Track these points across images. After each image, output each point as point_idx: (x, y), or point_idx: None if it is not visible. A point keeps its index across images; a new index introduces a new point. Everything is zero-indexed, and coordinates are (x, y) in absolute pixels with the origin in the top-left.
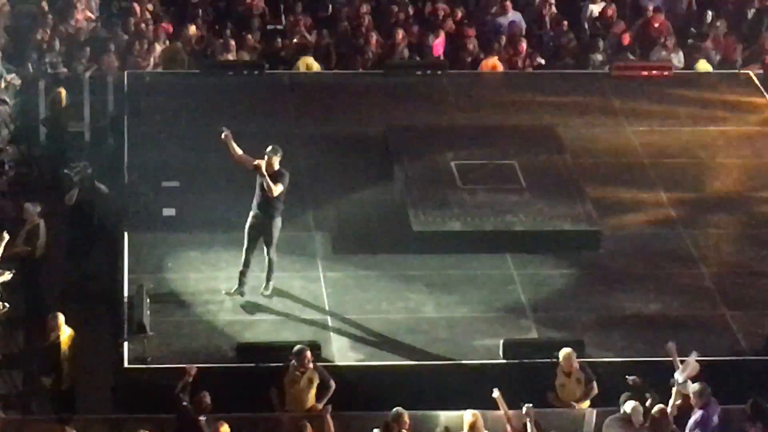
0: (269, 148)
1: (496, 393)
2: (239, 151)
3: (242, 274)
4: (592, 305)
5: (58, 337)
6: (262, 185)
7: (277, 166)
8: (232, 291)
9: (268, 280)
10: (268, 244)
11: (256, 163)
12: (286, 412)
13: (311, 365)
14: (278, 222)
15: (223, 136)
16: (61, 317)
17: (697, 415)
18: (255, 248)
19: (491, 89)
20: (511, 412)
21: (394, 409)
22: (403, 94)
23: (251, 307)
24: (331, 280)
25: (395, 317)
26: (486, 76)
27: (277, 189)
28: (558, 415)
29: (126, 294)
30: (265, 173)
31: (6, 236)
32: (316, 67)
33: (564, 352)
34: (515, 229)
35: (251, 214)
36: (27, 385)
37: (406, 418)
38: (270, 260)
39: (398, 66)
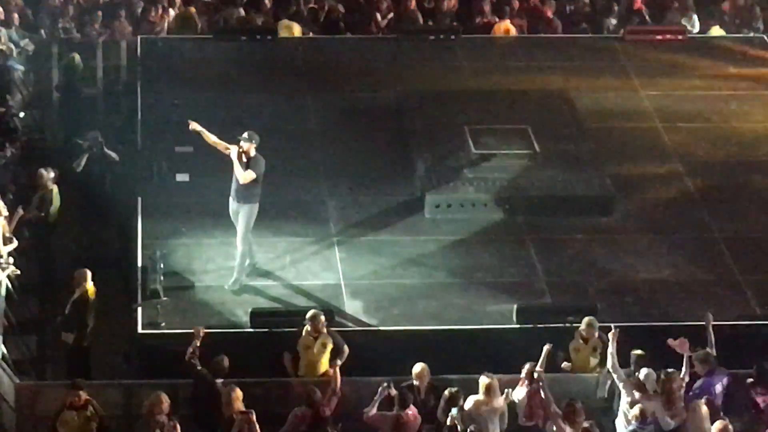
0: (244, 135)
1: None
2: (213, 138)
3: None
4: (606, 270)
5: (85, 291)
6: None
7: (252, 153)
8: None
9: (237, 273)
10: (240, 232)
11: (227, 150)
12: (299, 378)
13: (325, 330)
14: (254, 208)
15: (190, 128)
16: (88, 273)
17: (699, 382)
18: None
19: (504, 54)
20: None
21: (417, 365)
22: (416, 59)
23: (265, 273)
24: (344, 245)
25: (408, 282)
26: (499, 41)
27: (248, 176)
28: (571, 379)
29: (139, 259)
30: (235, 160)
31: (20, 211)
32: (297, 30)
33: (587, 319)
34: (528, 194)
35: (230, 198)
36: (41, 350)
37: (427, 374)
38: (240, 252)
39: (411, 31)
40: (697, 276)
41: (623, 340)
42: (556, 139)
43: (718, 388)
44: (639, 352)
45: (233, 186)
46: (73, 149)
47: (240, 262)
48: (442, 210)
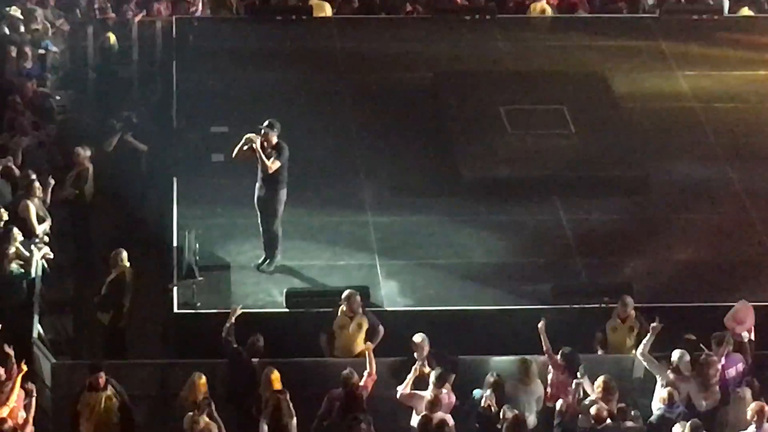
0: (266, 124)
1: (541, 324)
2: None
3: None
4: (641, 250)
5: (122, 272)
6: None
7: (275, 141)
8: (260, 262)
9: (271, 256)
10: (272, 218)
11: (252, 145)
12: (335, 358)
13: (360, 310)
14: (281, 195)
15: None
16: (125, 253)
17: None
18: None
19: (540, 33)
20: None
21: (417, 335)
22: (452, 39)
23: (300, 253)
24: (379, 226)
25: (444, 262)
26: (534, 21)
27: (274, 165)
28: (606, 360)
29: (175, 239)
30: (259, 150)
31: (52, 181)
32: (328, 10)
33: (623, 298)
34: (564, 174)
35: (256, 186)
36: (77, 330)
37: (426, 344)
38: (272, 235)
39: (446, 11)
40: (734, 256)
41: (662, 319)
42: (592, 119)
43: (732, 372)
44: (690, 337)
45: (260, 174)
46: (106, 129)
47: (275, 245)
48: (478, 190)
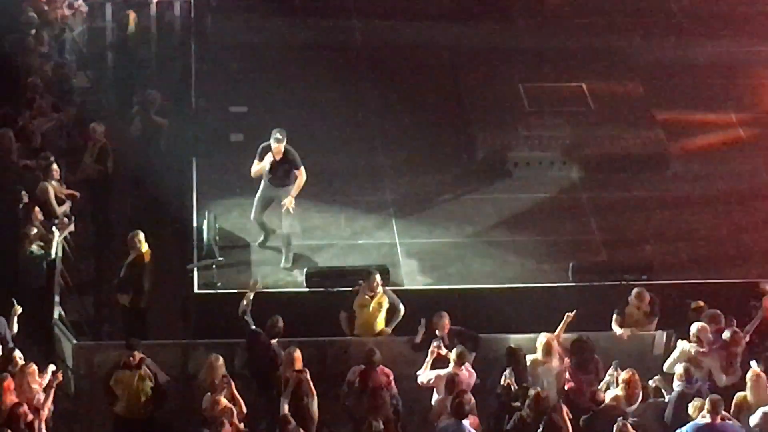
0: (276, 136)
1: (570, 316)
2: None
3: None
4: (661, 227)
5: (140, 253)
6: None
7: (283, 149)
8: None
9: (288, 251)
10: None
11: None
12: (355, 337)
13: (380, 289)
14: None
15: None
16: (142, 235)
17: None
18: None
19: (558, 10)
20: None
21: (437, 315)
22: (470, 15)
23: (320, 232)
24: (399, 204)
25: (464, 241)
26: None
27: (302, 173)
28: (628, 338)
29: (195, 220)
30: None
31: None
32: None
33: (635, 291)
34: (584, 152)
35: (271, 186)
36: (98, 310)
37: (447, 321)
38: (287, 234)
39: None
40: (755, 233)
41: (678, 297)
42: (611, 96)
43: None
44: (698, 304)
45: (278, 174)
46: (129, 111)
47: (287, 242)
48: (497, 169)
